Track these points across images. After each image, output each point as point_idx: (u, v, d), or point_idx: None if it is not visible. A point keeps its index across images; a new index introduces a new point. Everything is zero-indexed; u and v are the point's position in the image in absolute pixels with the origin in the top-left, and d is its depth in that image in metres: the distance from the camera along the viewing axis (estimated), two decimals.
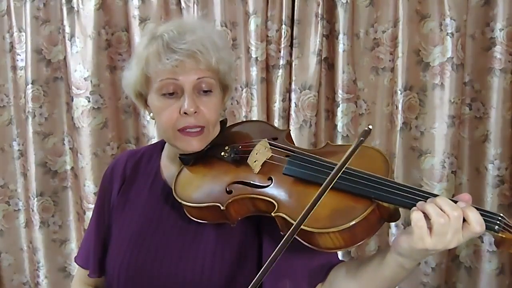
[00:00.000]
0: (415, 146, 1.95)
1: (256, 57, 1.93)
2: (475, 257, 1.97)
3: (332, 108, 1.99)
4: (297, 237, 0.84)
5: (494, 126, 1.85)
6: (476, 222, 0.76)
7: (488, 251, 1.93)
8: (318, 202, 0.79)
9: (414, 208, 0.79)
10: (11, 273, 2.31)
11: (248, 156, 0.98)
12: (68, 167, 2.20)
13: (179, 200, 0.98)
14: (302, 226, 0.81)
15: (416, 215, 0.77)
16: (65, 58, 2.08)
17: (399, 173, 1.94)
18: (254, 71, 1.94)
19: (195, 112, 0.98)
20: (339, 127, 1.93)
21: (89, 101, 2.04)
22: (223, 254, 1.00)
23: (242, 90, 1.98)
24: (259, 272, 0.76)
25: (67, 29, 2.02)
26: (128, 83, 1.06)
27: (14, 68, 2.16)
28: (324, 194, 0.79)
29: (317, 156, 0.94)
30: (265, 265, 0.77)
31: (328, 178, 0.80)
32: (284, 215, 0.85)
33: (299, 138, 1.94)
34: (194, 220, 0.97)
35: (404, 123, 1.91)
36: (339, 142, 1.93)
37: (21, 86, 2.14)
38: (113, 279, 1.07)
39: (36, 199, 2.15)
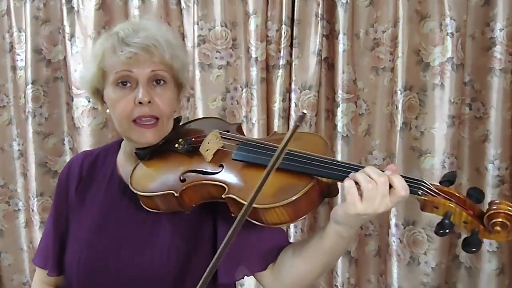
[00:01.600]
0: (415, 146, 1.95)
1: (256, 57, 1.93)
2: (475, 257, 1.96)
3: (332, 108, 1.99)
4: (246, 217, 0.89)
5: (494, 126, 1.85)
6: (401, 187, 0.86)
7: (488, 251, 1.92)
8: (267, 181, 0.84)
9: (346, 178, 0.88)
10: (11, 273, 2.31)
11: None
12: None
13: (135, 191, 1.01)
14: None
15: (347, 183, 0.86)
16: (65, 58, 2.08)
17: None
18: (254, 71, 1.94)
19: (149, 102, 1.01)
20: (339, 127, 1.93)
21: (89, 101, 2.04)
22: (178, 246, 1.03)
23: (242, 90, 1.98)
24: (217, 253, 0.78)
25: (67, 29, 2.02)
26: (85, 80, 1.09)
27: (14, 68, 2.16)
28: (271, 172, 0.85)
29: (264, 142, 1.01)
30: (220, 247, 0.79)
31: (272, 159, 0.86)
32: (234, 196, 0.91)
33: None
34: (151, 212, 1.01)
35: (404, 123, 1.91)
36: (340, 142, 1.93)
37: (21, 86, 2.14)
38: (72, 275, 1.08)
39: (36, 199, 2.15)
